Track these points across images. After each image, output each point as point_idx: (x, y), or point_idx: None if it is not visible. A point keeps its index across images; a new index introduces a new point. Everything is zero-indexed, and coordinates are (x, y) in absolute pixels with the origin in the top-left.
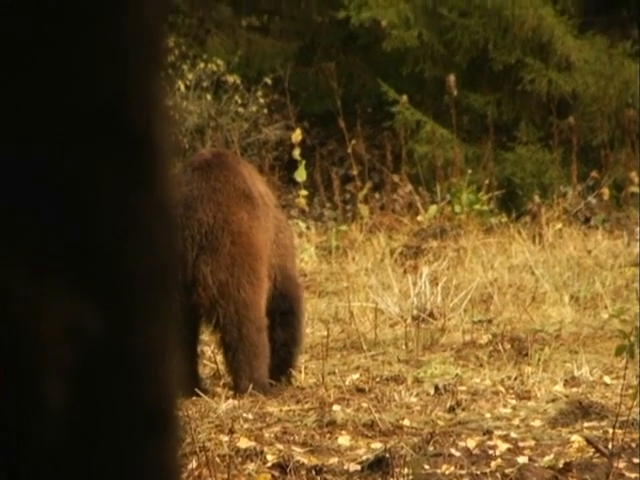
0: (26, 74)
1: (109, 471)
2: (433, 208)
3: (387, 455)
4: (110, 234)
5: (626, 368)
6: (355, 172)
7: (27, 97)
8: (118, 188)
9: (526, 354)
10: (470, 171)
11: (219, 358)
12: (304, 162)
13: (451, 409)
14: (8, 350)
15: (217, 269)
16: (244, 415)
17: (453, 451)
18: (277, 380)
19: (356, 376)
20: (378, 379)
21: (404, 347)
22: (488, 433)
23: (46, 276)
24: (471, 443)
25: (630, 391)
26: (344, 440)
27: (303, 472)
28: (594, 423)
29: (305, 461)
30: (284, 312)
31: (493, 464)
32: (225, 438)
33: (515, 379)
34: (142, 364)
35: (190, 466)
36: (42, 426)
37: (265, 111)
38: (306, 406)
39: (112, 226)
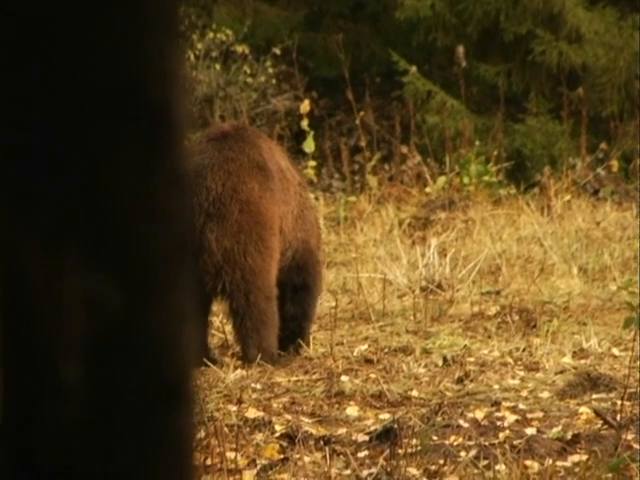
0: (44, 50)
1: (126, 442)
2: (442, 179)
3: (395, 426)
4: (127, 207)
5: (634, 340)
6: (364, 143)
7: (45, 72)
8: (136, 160)
9: (534, 326)
10: (478, 142)
11: (227, 328)
12: (312, 133)
13: (459, 380)
14: (26, 324)
15: (222, 236)
16: (252, 385)
17: (461, 422)
18: (285, 351)
19: (364, 347)
20: (386, 350)
21: (412, 318)
22: (496, 404)
23: (63, 250)
24: (479, 414)
25: (638, 363)
26: (352, 411)
27: (311, 442)
28: (602, 395)
29: (313, 431)
30: (297, 287)
31: (501, 435)
32: (233, 408)
33: (523, 350)
34: (159, 335)
35: (198, 436)
36: (60, 398)
37: (274, 81)
38: (314, 376)
39: (129, 199)
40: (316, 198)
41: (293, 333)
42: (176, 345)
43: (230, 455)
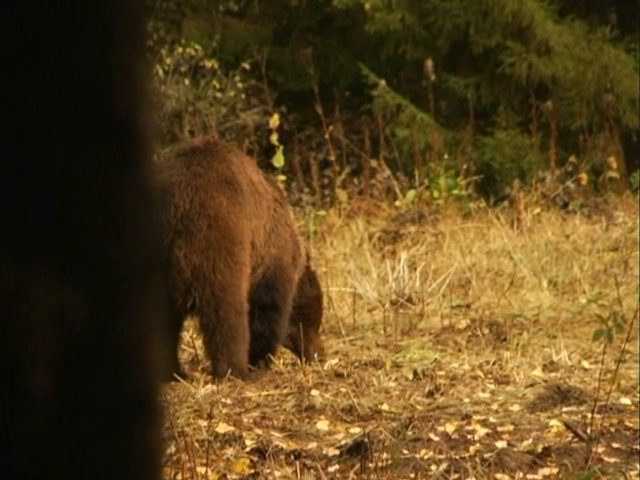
0: (8, 64)
1: (95, 456)
2: (411, 193)
3: (366, 440)
4: (94, 221)
5: (604, 353)
6: (333, 157)
7: (11, 86)
8: (102, 174)
9: (504, 339)
10: (448, 156)
11: (198, 343)
12: (282, 147)
13: (430, 394)
14: None
15: (191, 252)
16: (223, 400)
17: (432, 436)
18: (255, 365)
19: (335, 361)
20: (357, 364)
21: (382, 332)
22: (467, 418)
23: (31, 263)
24: (450, 428)
25: (608, 376)
26: (323, 425)
27: (282, 457)
28: (573, 408)
29: (284, 446)
30: (265, 305)
31: (472, 449)
32: (204, 423)
33: (494, 364)
34: (127, 350)
35: (169, 451)
36: (28, 412)
37: (243, 96)
38: (285, 391)
39: (96, 212)
40: None
41: (262, 351)
42: (145, 359)
43: (201, 470)
